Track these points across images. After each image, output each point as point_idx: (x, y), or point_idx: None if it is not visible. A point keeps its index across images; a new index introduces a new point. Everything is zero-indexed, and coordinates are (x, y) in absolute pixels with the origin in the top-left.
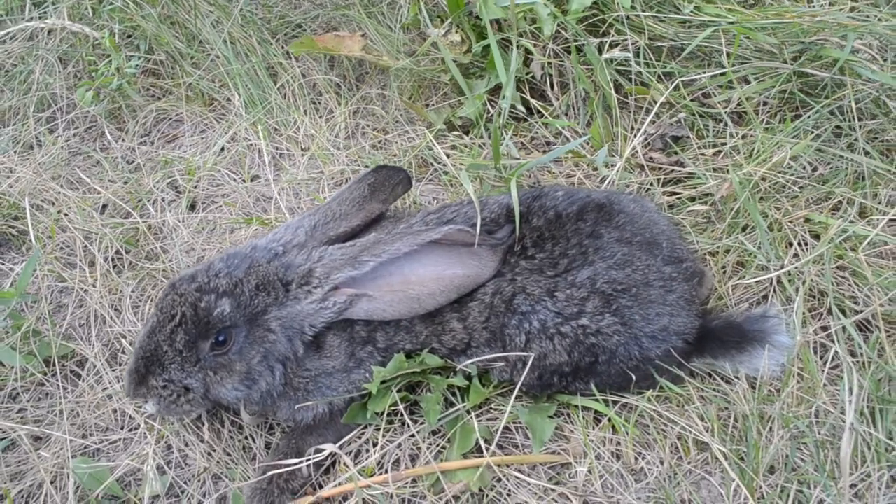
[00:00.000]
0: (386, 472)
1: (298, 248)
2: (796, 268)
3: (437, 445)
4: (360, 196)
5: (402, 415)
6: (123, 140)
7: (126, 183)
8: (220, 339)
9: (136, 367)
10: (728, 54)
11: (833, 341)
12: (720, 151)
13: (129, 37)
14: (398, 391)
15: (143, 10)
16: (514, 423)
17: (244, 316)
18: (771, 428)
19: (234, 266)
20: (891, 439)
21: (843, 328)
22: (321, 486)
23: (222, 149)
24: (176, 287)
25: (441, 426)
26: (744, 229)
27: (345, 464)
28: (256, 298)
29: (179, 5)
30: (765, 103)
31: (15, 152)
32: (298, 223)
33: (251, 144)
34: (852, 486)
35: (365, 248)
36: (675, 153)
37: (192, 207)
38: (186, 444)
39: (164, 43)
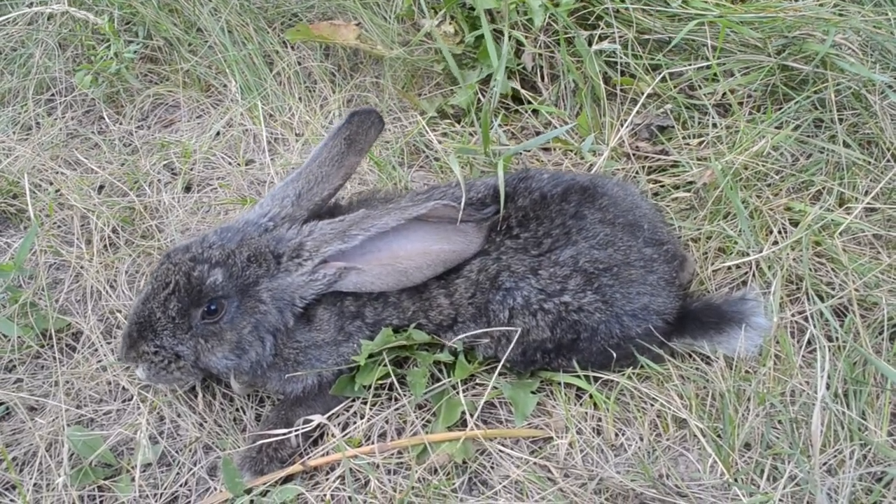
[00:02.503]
0: (372, 443)
1: (289, 222)
2: (775, 253)
3: (423, 419)
4: (339, 153)
5: (388, 389)
6: (121, 123)
7: (123, 164)
8: (212, 307)
9: (130, 331)
10: (713, 47)
11: (810, 324)
12: (704, 141)
13: (128, 23)
14: (385, 366)
15: None
16: (498, 398)
17: (236, 286)
18: (747, 406)
19: (227, 238)
20: (864, 419)
21: (820, 312)
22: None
23: (218, 133)
24: (171, 256)
25: (427, 400)
26: (725, 216)
27: (332, 434)
28: (248, 270)
29: None
30: (749, 95)
31: (14, 133)
32: (283, 192)
33: (246, 130)
34: (825, 462)
35: (354, 222)
36: (661, 143)
37: (188, 189)
38: (178, 415)
39: (162, 29)
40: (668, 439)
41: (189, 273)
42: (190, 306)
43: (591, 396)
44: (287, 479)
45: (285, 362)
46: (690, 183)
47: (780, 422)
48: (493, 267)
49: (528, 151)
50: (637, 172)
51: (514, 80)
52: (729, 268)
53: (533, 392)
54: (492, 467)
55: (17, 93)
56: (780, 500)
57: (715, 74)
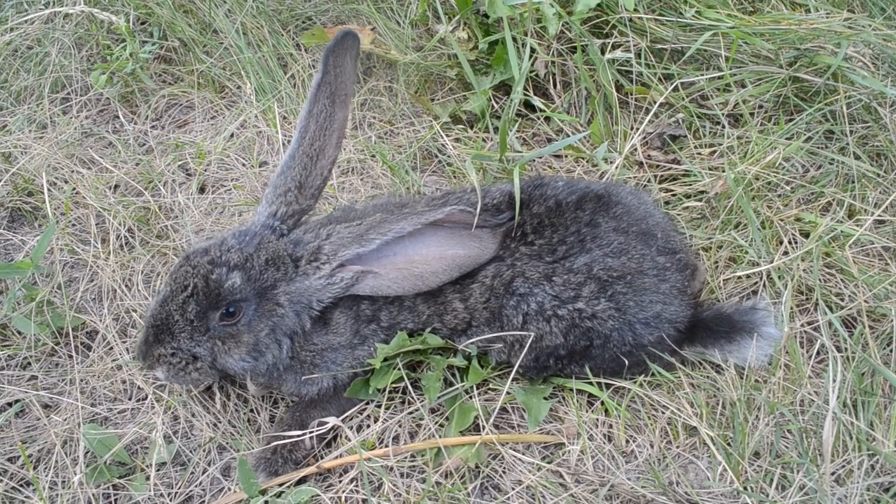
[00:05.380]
0: (386, 446)
1: (298, 215)
2: (785, 264)
3: (436, 423)
4: (326, 116)
5: (402, 392)
6: (136, 123)
7: (138, 164)
8: (230, 310)
9: (147, 334)
10: (726, 58)
11: (819, 335)
12: (716, 151)
13: (144, 23)
14: (399, 369)
15: None
16: (510, 403)
17: (254, 289)
18: (757, 415)
19: (246, 242)
20: (872, 429)
21: (829, 322)
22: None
23: (232, 135)
24: (190, 259)
25: (440, 404)
26: (736, 226)
27: (347, 437)
28: (266, 273)
29: None
30: (760, 106)
31: (30, 131)
32: (284, 184)
33: (260, 132)
34: (833, 472)
35: (371, 226)
36: (673, 152)
37: (202, 190)
38: (193, 415)
39: (177, 30)
40: (678, 447)
41: (207, 276)
42: (208, 309)
43: (602, 403)
44: (301, 481)
45: (301, 364)
46: (702, 192)
47: (789, 431)
48: (507, 273)
49: (541, 158)
50: (649, 181)
51: (527, 86)
52: (740, 277)
53: (545, 398)
54: (504, 472)
55: (33, 91)
56: None
57: (727, 85)
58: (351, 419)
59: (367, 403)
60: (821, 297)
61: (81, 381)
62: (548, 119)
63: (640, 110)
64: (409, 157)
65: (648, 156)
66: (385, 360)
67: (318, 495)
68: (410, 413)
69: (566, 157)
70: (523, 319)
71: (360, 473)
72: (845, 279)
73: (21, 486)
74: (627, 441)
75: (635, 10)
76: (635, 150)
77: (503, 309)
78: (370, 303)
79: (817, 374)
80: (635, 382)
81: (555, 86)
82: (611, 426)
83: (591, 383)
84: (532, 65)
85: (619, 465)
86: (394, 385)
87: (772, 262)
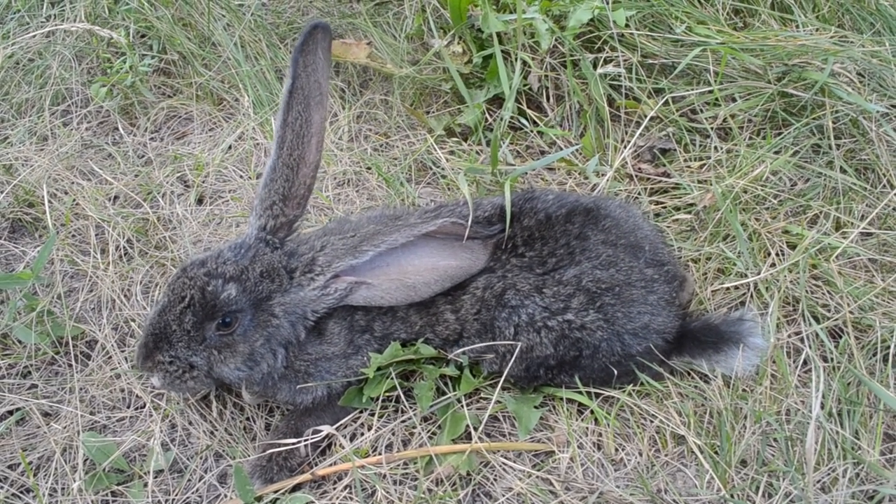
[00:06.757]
0: (379, 454)
1: (288, 226)
2: (772, 275)
3: (428, 432)
4: (302, 122)
5: (395, 401)
6: (135, 135)
7: (137, 176)
8: (226, 320)
9: (146, 342)
10: (716, 73)
11: (805, 345)
12: (705, 165)
13: (143, 36)
14: (392, 378)
15: (157, 11)
16: (502, 412)
17: (250, 300)
18: (744, 424)
19: (241, 254)
20: (857, 438)
21: (816, 333)
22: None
23: (230, 147)
24: (187, 271)
25: (433, 413)
26: (725, 238)
27: (340, 445)
28: (261, 284)
29: (193, 8)
30: (749, 121)
31: (31, 143)
32: (269, 198)
33: (258, 143)
34: (819, 480)
35: (365, 238)
36: (663, 165)
37: (200, 201)
38: (190, 423)
39: (176, 43)
40: (666, 455)
41: (204, 288)
42: (204, 319)
43: (592, 412)
44: (296, 488)
45: (296, 374)
46: (691, 205)
47: (775, 440)
48: (498, 285)
49: (533, 171)
50: (639, 194)
51: (520, 100)
52: (727, 289)
53: (536, 407)
54: (495, 480)
55: (34, 103)
56: None
57: (716, 99)
58: (345, 427)
59: (361, 412)
60: (807, 308)
61: (81, 389)
62: (541, 132)
63: (631, 124)
64: (403, 170)
65: (639, 169)
66: (378, 369)
67: (313, 502)
68: (403, 421)
69: (558, 169)
70: (515, 331)
71: (353, 481)
72: (831, 290)
73: (21, 492)
74: (616, 449)
75: (627, 25)
76: (626, 163)
77: (495, 321)
78: (364, 313)
79: (804, 383)
80: (624, 392)
81: (548, 99)
82: (600, 435)
83: (580, 392)
84: (526, 79)
85: (609, 472)
86: (387, 394)
87: (759, 273)
